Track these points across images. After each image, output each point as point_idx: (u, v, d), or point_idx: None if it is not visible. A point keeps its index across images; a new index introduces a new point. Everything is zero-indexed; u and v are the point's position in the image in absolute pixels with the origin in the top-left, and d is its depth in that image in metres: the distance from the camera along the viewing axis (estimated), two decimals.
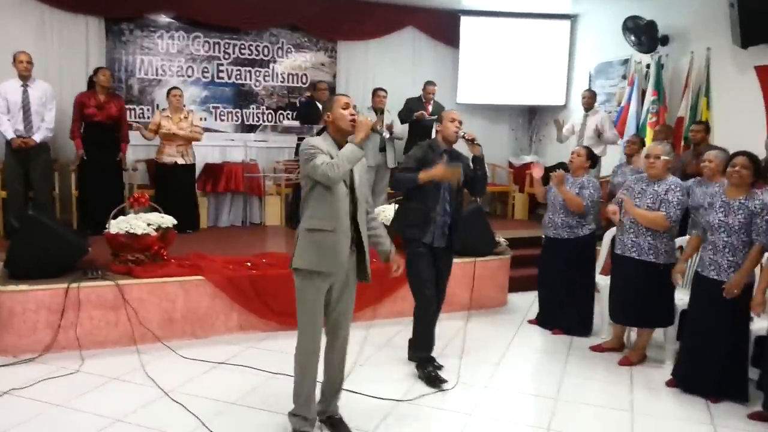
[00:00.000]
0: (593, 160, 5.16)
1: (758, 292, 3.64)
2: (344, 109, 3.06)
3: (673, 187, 4.17)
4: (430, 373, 4.03)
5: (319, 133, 7.05)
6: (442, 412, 3.62)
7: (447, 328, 5.02)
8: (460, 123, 4.02)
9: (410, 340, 4.31)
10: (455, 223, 4.06)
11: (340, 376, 3.30)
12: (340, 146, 3.04)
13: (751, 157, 3.78)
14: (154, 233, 4.65)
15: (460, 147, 4.17)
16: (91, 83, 6.38)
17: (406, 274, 3.78)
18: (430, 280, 4.02)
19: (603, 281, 4.99)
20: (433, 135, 4.27)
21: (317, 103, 7.26)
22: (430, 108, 7.59)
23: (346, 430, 3.27)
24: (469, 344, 4.71)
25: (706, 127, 5.89)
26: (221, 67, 7.81)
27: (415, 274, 4.00)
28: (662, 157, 4.20)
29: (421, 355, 4.15)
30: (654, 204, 4.19)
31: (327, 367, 3.26)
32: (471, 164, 4.10)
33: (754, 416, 3.63)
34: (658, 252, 4.20)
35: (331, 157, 2.95)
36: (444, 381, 3.98)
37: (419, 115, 7.46)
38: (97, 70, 6.34)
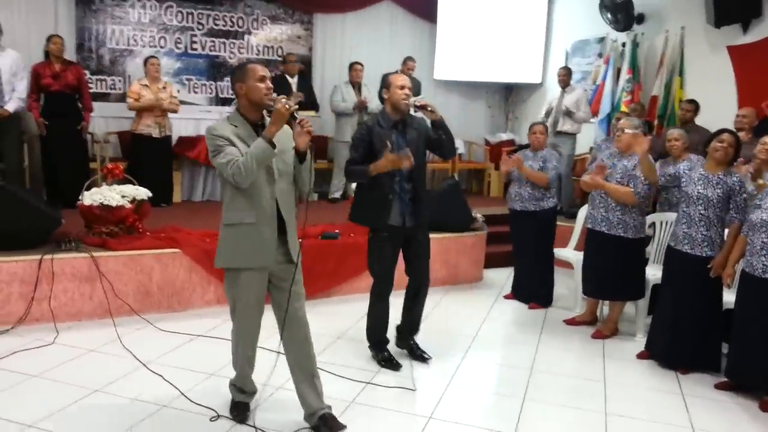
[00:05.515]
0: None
1: (730, 263, 3.73)
2: (260, 82, 2.72)
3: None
4: (384, 358, 3.85)
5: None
6: (420, 383, 3.65)
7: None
8: (410, 89, 3.60)
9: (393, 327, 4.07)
10: (421, 197, 3.72)
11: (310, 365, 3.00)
12: (251, 123, 2.77)
13: (736, 136, 3.87)
14: (128, 205, 4.59)
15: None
16: (47, 53, 6.14)
17: (367, 260, 3.77)
18: (390, 267, 3.74)
19: (575, 256, 5.07)
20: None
21: (287, 77, 7.16)
22: None
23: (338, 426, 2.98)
24: (446, 318, 4.77)
25: (696, 107, 5.82)
26: (195, 38, 7.65)
27: (376, 261, 3.74)
28: (628, 131, 4.26)
29: (375, 339, 3.91)
30: (623, 179, 4.24)
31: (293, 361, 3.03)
32: (431, 130, 3.73)
33: (720, 386, 3.75)
34: (627, 226, 4.26)
35: (241, 139, 2.69)
36: (399, 366, 3.81)
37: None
38: (49, 38, 6.11)
